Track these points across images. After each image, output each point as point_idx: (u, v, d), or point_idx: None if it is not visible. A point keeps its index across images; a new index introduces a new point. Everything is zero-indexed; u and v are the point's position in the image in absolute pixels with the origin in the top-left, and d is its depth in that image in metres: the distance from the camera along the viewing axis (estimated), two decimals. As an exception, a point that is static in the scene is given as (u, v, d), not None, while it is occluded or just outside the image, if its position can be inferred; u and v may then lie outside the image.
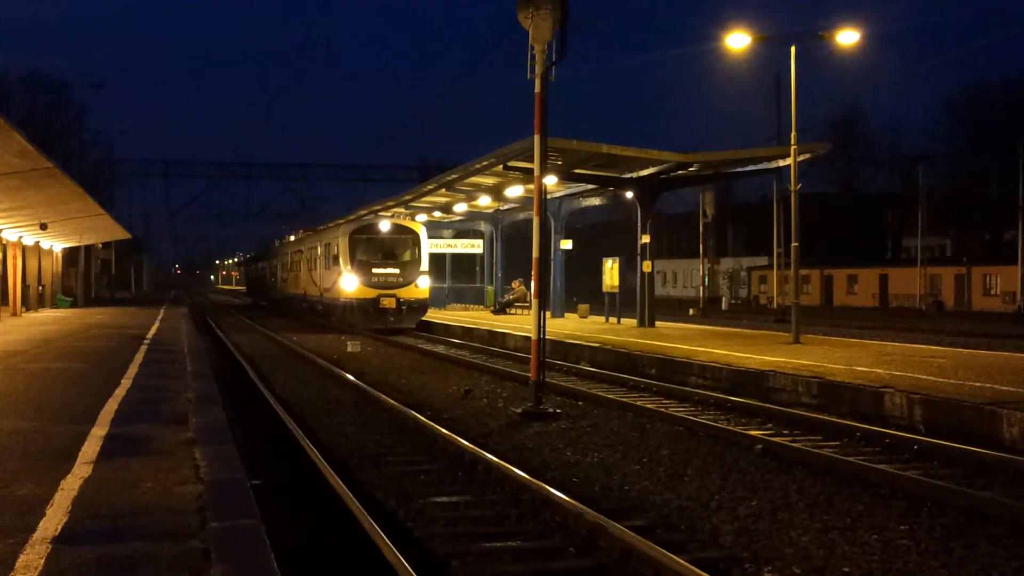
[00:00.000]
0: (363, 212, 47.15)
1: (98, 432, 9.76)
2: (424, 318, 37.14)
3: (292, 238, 58.13)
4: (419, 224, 39.44)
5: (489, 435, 13.51)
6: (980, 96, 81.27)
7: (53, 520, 6.28)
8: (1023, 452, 11.57)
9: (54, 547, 5.68)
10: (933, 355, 20.68)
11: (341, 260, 36.77)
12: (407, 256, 37.18)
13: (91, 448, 8.87)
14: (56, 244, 50.50)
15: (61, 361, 17.97)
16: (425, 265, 37.24)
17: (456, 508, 9.30)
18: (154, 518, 6.38)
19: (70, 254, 59.30)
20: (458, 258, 52.05)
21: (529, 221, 17.20)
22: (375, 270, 36.34)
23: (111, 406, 11.71)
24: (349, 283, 36.21)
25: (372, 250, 36.98)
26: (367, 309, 35.79)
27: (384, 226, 37.55)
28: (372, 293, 35.84)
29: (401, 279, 36.38)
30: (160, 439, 9.43)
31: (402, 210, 42.98)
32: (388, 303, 35.72)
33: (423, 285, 36.97)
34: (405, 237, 37.58)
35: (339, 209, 68.44)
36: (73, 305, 50.83)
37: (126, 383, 14.23)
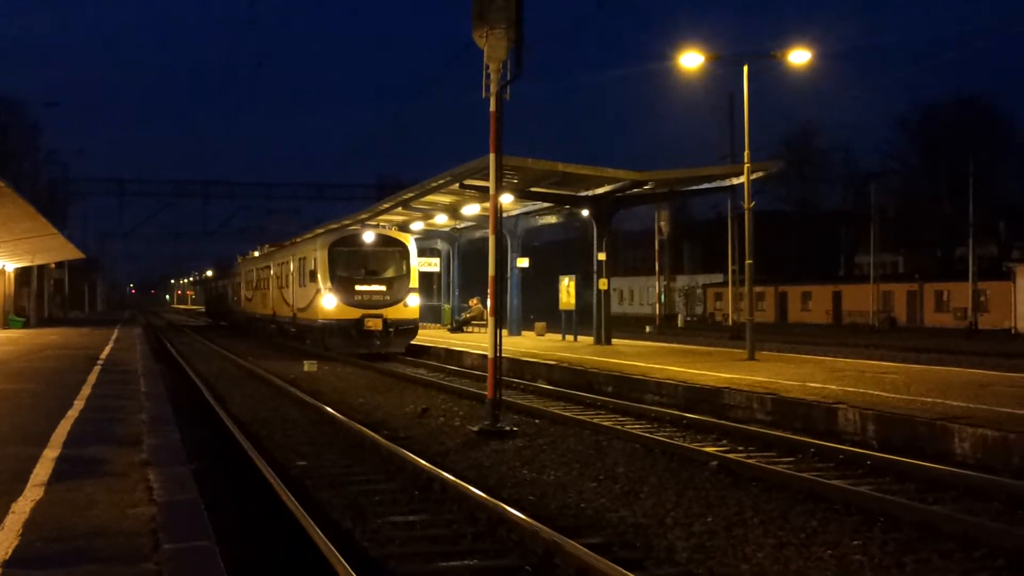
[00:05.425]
0: (319, 231, 46.30)
1: (50, 454, 9.65)
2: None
3: (257, 253, 52.70)
4: (407, 235, 35.16)
5: (446, 454, 13.49)
6: (932, 114, 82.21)
7: (3, 543, 6.20)
8: (974, 467, 11.73)
9: (5, 571, 5.62)
10: (886, 371, 20.91)
11: (319, 276, 32.68)
12: (394, 271, 32.96)
13: (43, 470, 8.77)
14: (8, 264, 49.88)
15: (13, 382, 17.74)
16: (415, 281, 33.19)
17: (413, 527, 9.27)
18: (107, 540, 6.32)
19: (22, 274, 58.56)
20: (415, 276, 51.38)
21: (486, 239, 17.23)
22: (358, 287, 32.22)
23: (64, 427, 11.58)
24: (328, 302, 32.06)
25: (355, 264, 32.77)
26: (349, 331, 31.84)
27: (368, 237, 33.26)
28: (355, 313, 31.86)
29: (388, 297, 32.29)
30: (113, 461, 9.35)
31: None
32: (373, 324, 31.72)
33: (413, 304, 32.80)
34: (392, 250, 33.26)
35: (296, 228, 67.84)
36: (26, 325, 50.17)
37: (79, 404, 14.07)
